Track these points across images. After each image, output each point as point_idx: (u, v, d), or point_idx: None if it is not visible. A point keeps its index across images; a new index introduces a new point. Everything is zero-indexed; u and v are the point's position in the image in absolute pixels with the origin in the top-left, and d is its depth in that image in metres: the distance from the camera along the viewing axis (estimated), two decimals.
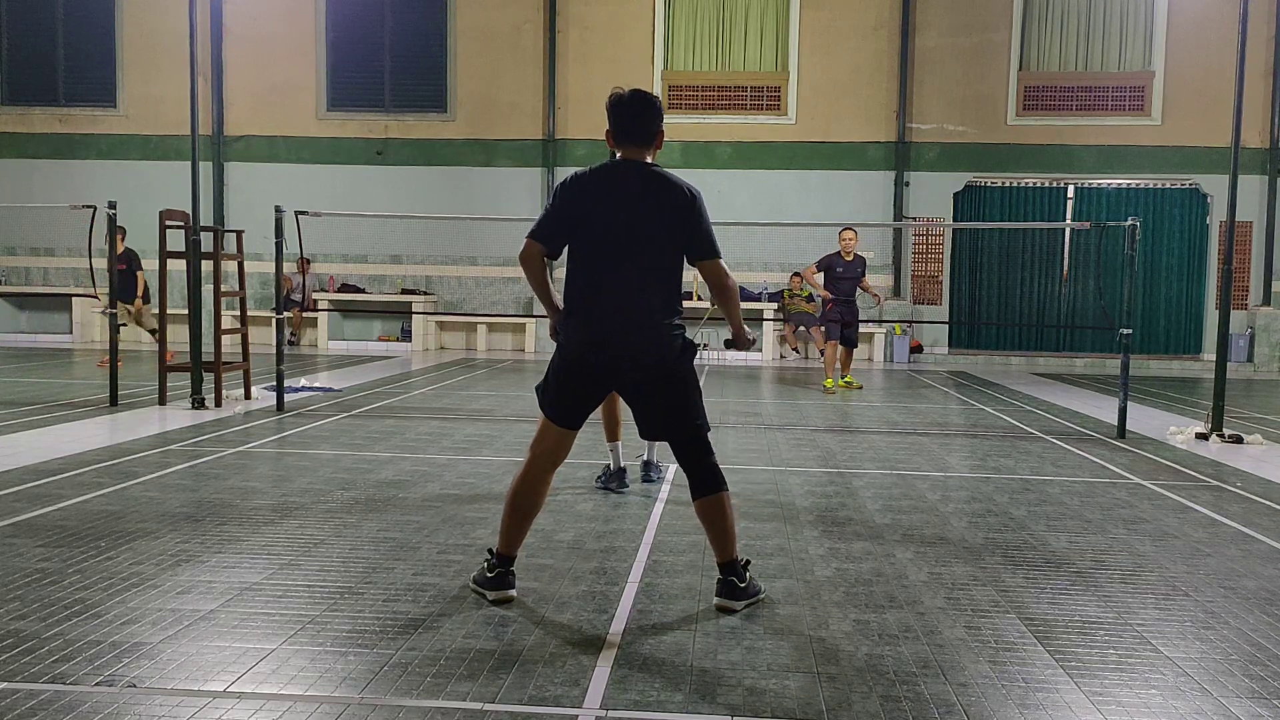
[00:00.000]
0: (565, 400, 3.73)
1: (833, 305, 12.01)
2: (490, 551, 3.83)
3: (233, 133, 18.49)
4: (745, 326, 3.91)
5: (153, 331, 13.72)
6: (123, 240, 12.65)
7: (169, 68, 17.77)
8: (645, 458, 6.09)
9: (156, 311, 12.01)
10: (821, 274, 11.95)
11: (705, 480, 3.72)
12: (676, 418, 3.72)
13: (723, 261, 3.71)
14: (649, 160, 3.74)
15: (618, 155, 3.76)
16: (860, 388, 12.18)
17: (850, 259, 11.84)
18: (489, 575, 3.77)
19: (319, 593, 3.80)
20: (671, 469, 6.36)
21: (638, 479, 6.01)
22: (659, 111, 3.74)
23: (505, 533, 3.78)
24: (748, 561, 3.81)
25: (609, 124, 3.73)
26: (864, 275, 12.07)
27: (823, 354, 16.91)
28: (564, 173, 17.79)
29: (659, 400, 3.72)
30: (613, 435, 5.82)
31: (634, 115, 3.70)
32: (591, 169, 3.74)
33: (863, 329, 17.58)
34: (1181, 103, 17.39)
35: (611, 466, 5.84)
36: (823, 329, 12.53)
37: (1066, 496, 5.94)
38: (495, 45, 18.10)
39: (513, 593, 3.75)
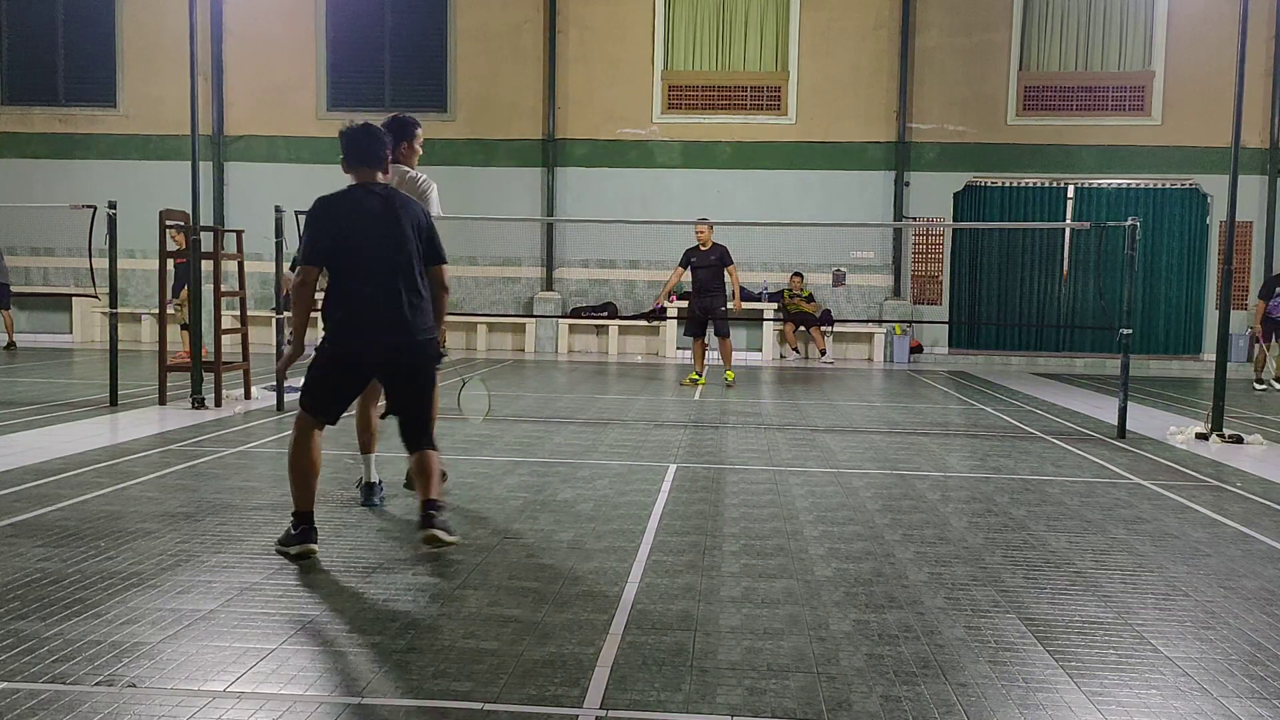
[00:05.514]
0: (328, 395, 4.31)
1: (691, 299, 12.27)
2: (293, 514, 4.26)
3: (233, 133, 18.49)
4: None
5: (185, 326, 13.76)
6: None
7: (169, 68, 17.76)
8: (369, 480, 5.45)
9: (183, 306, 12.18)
10: (685, 270, 12.14)
11: (420, 442, 4.37)
12: (414, 406, 4.39)
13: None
14: (382, 179, 4.42)
15: (353, 180, 4.38)
16: (731, 384, 12.12)
17: (707, 248, 12.04)
18: (293, 533, 4.22)
19: (319, 593, 3.80)
20: (671, 469, 6.35)
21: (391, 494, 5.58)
22: (387, 138, 4.47)
23: (296, 493, 4.27)
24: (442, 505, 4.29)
25: (343, 152, 4.36)
26: (729, 264, 12.05)
27: (796, 351, 17.02)
28: (564, 172, 17.91)
29: (406, 388, 4.37)
30: (366, 448, 5.44)
31: (363, 142, 4.35)
32: (337, 193, 4.34)
33: (862, 329, 17.63)
34: (1181, 103, 17.38)
35: (363, 480, 5.46)
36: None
37: (1066, 496, 5.94)
38: (495, 45, 18.10)
39: (314, 546, 4.20)
